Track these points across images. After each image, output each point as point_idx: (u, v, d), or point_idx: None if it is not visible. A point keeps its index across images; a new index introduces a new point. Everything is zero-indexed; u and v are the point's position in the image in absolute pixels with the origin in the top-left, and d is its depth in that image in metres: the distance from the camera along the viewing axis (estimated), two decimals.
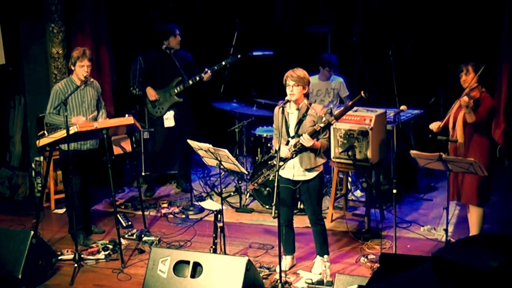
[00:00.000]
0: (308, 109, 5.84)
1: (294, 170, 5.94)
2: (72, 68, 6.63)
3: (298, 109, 5.87)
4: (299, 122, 5.86)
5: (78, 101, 6.66)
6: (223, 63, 7.89)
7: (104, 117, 6.82)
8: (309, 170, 5.91)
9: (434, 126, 6.34)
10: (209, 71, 7.84)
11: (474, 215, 6.30)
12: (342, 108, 6.00)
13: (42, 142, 6.47)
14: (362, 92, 5.80)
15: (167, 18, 9.25)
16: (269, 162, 6.01)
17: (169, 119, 7.73)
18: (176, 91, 7.92)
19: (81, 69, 6.55)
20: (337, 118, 5.91)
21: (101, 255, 6.60)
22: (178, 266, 5.64)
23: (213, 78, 8.01)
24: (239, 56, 7.94)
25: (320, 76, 8.08)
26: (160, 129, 8.03)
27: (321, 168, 6.00)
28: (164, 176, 8.53)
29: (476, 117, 6.06)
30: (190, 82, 7.87)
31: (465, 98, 6.05)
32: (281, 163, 5.81)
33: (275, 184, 5.64)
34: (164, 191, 8.40)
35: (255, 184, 6.16)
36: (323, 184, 6.24)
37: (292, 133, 5.89)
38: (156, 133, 8.14)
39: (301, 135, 5.77)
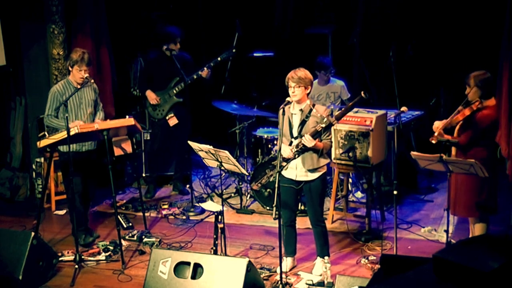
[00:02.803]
0: (311, 110, 5.84)
1: (296, 171, 5.94)
2: (70, 69, 6.60)
3: (301, 110, 5.88)
4: (302, 123, 5.86)
5: (76, 102, 6.64)
6: (219, 58, 7.84)
7: (102, 119, 6.79)
8: (312, 170, 5.91)
9: (436, 126, 6.23)
10: (205, 68, 7.82)
11: (478, 231, 6.25)
12: (343, 109, 6.00)
13: (42, 143, 6.46)
14: (362, 93, 5.80)
15: (167, 19, 9.24)
16: (273, 163, 6.02)
17: (172, 118, 7.70)
18: (175, 91, 7.90)
19: (79, 73, 6.52)
20: (338, 118, 5.92)
21: (102, 256, 6.61)
22: (179, 267, 5.63)
23: (214, 79, 8.00)
24: (234, 50, 7.92)
25: (319, 81, 8.05)
26: (160, 130, 8.01)
27: (324, 169, 5.99)
28: (163, 177, 8.53)
29: (460, 139, 6.02)
30: (189, 81, 7.86)
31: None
32: (284, 164, 5.82)
33: (276, 185, 5.64)
34: (164, 192, 8.39)
35: (259, 185, 6.16)
36: (326, 185, 6.23)
37: (295, 133, 5.89)
38: (155, 134, 8.14)
39: (304, 135, 5.78)
